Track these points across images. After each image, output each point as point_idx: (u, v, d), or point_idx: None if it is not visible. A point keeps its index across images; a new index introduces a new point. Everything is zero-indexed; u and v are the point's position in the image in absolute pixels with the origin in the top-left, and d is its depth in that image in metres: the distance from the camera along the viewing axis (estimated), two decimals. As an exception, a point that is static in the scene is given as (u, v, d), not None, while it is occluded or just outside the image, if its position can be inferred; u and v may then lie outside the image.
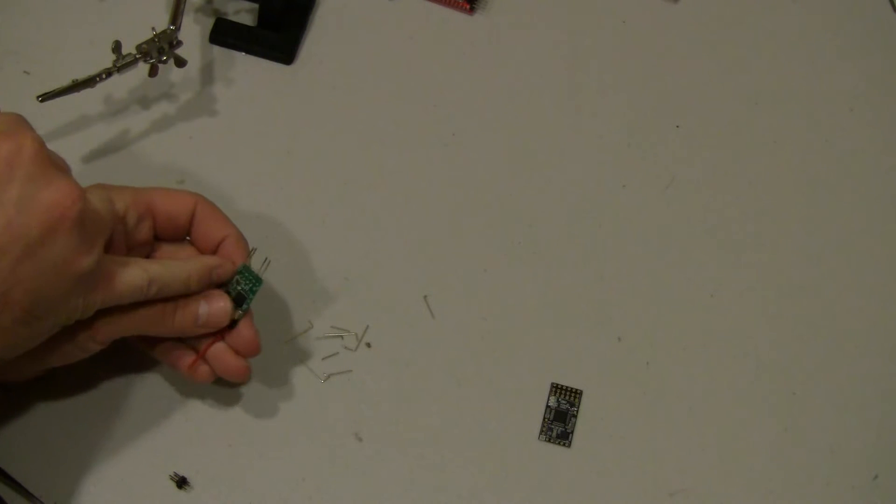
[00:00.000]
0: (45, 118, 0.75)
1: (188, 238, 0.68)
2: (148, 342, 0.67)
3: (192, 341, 0.66)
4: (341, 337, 0.72)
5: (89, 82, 0.72)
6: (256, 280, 0.66)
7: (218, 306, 0.65)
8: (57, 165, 0.59)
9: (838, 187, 0.80)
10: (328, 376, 0.71)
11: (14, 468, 0.67)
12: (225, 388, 0.70)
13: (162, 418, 0.69)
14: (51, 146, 0.75)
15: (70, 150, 0.75)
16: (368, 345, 0.72)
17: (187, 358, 0.66)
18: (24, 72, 0.78)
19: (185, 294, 0.64)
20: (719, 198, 0.79)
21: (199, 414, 0.69)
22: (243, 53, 0.81)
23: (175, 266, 0.64)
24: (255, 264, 0.67)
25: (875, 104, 0.83)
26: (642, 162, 0.80)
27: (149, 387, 0.69)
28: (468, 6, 0.84)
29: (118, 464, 0.67)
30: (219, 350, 0.66)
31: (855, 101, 0.83)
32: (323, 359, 0.72)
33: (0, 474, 0.66)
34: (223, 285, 0.66)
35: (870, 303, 0.76)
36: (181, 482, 0.67)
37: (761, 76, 0.84)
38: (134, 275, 0.61)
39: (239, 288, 0.66)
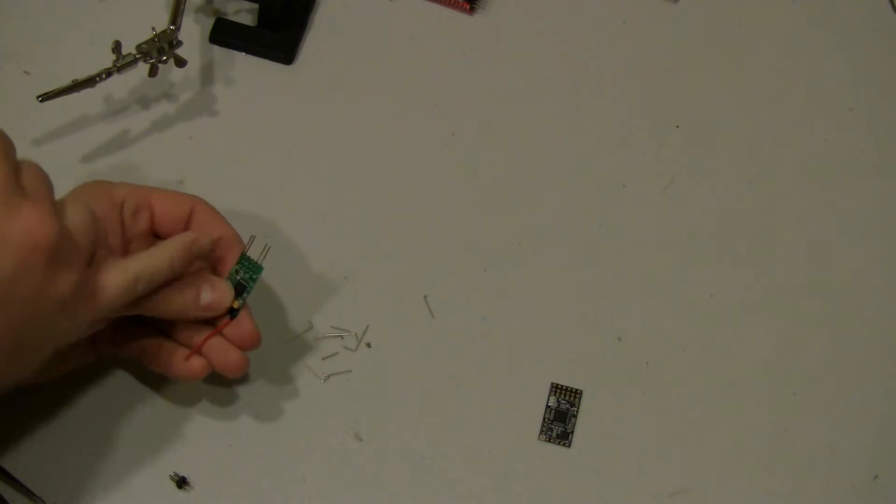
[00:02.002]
0: (45, 118, 0.75)
1: None
2: (136, 347, 0.66)
3: (186, 338, 0.66)
4: (341, 337, 0.72)
5: (89, 82, 0.72)
6: (256, 268, 0.66)
7: (221, 288, 0.65)
8: (23, 190, 0.56)
9: (838, 187, 0.80)
10: (328, 376, 0.71)
11: (15, 468, 0.67)
12: (224, 389, 0.70)
13: (162, 418, 0.69)
14: (51, 146, 0.76)
15: (70, 150, 0.75)
16: (368, 345, 0.72)
17: (180, 353, 0.65)
18: (24, 72, 0.78)
19: (174, 277, 0.63)
20: (719, 198, 0.79)
21: (199, 414, 0.69)
22: (243, 53, 0.81)
23: (153, 256, 0.62)
24: (255, 253, 0.66)
25: (875, 104, 0.83)
26: (642, 162, 0.80)
27: (149, 387, 0.69)
28: (468, 6, 0.84)
29: (118, 464, 0.67)
30: (217, 344, 0.65)
31: (855, 101, 0.83)
32: (323, 359, 0.72)
33: (1, 473, 0.66)
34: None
35: (870, 303, 0.76)
36: (181, 482, 0.67)
37: (761, 76, 0.84)
38: (116, 279, 0.60)
39: (238, 277, 0.66)
